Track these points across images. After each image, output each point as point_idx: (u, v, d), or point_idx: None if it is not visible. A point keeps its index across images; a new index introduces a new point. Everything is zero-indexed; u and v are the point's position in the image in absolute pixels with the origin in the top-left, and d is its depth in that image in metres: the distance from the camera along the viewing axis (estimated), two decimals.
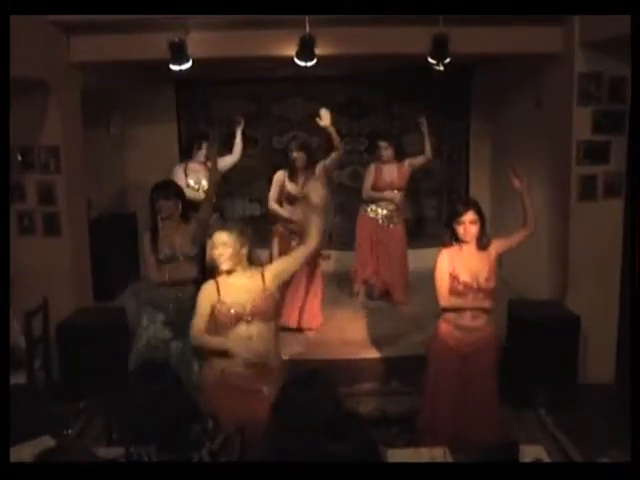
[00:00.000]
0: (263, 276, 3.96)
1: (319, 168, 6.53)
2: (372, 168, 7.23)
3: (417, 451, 3.63)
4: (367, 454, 2.25)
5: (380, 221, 7.22)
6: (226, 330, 3.92)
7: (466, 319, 4.53)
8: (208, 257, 4.01)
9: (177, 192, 5.18)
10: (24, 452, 3.09)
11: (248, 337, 3.88)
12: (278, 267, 4.11)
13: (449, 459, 3.44)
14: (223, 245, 3.89)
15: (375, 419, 5.41)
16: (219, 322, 3.93)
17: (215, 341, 3.98)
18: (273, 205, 6.65)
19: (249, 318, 3.87)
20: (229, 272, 3.93)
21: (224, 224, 4.14)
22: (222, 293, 3.92)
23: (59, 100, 5.99)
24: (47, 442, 3.62)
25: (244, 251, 3.94)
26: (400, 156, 7.19)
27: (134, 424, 2.75)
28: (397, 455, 3.45)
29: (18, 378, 5.26)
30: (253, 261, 4.02)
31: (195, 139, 7.06)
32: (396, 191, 7.16)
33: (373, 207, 7.22)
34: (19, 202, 6.07)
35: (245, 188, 8.32)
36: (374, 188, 7.18)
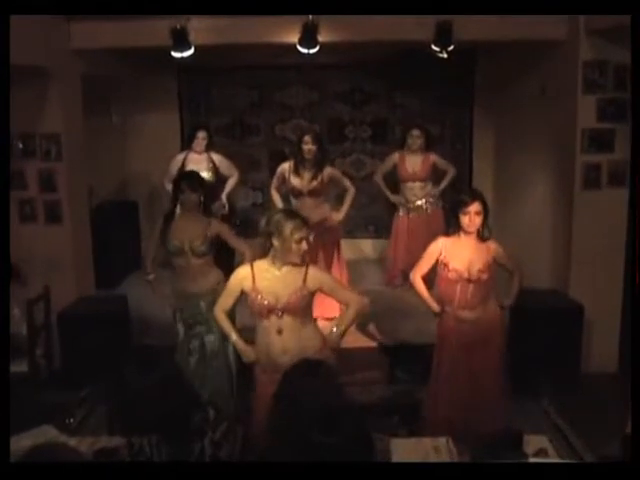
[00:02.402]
0: (306, 275, 3.91)
1: (327, 173, 6.40)
2: (395, 156, 7.18)
3: (420, 441, 3.60)
4: (360, 447, 2.24)
5: (415, 213, 7.17)
6: (258, 320, 3.94)
7: (458, 309, 4.54)
8: (283, 248, 3.86)
9: (202, 184, 5.15)
10: (25, 441, 3.07)
11: (278, 330, 3.88)
12: (328, 284, 4.03)
13: (452, 448, 3.42)
14: (305, 240, 3.85)
15: (377, 408, 5.40)
16: (251, 310, 3.94)
17: (226, 327, 4.20)
18: (273, 193, 6.61)
19: (280, 313, 3.86)
20: (289, 263, 3.90)
21: (295, 217, 3.97)
22: (257, 280, 3.91)
23: (60, 87, 5.97)
24: (48, 431, 3.61)
25: None
26: (428, 146, 7.14)
27: (134, 413, 2.73)
28: (400, 445, 3.43)
29: (19, 366, 5.25)
30: None
31: (192, 128, 7.04)
32: (418, 182, 7.09)
33: (406, 199, 7.17)
34: (20, 190, 6.05)
35: (247, 176, 8.28)
36: (400, 178, 7.17)
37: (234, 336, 4.16)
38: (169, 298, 5.20)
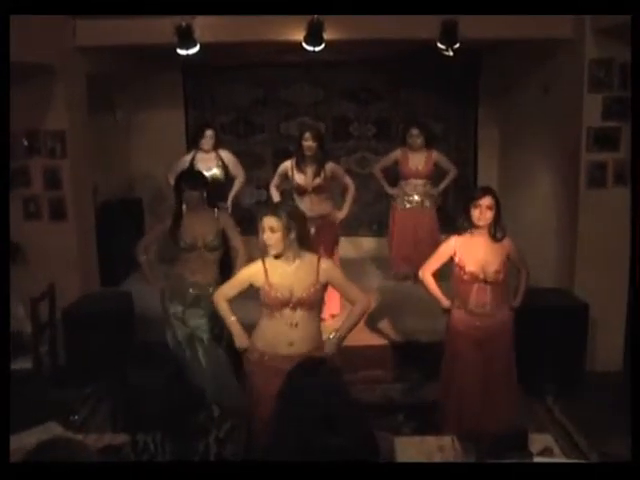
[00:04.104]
0: (318, 268, 3.91)
1: (329, 168, 6.42)
2: (398, 152, 7.25)
3: (425, 439, 3.59)
4: (364, 447, 2.23)
5: (411, 206, 7.24)
6: (270, 313, 3.92)
7: (472, 309, 4.54)
8: (259, 241, 3.91)
9: (204, 181, 5.15)
10: (30, 438, 3.06)
11: (291, 324, 3.87)
12: (338, 278, 4.05)
13: (457, 447, 3.41)
14: (271, 230, 3.81)
15: (382, 406, 5.40)
16: (264, 304, 3.92)
17: (224, 311, 4.14)
18: (272, 190, 6.62)
19: (294, 306, 3.86)
20: (277, 256, 3.88)
21: (275, 206, 4.05)
22: (270, 275, 3.89)
23: (65, 85, 5.96)
24: (53, 428, 3.61)
25: (292, 235, 3.86)
26: (429, 144, 7.18)
27: (139, 411, 2.73)
28: (404, 443, 3.42)
29: (24, 364, 5.26)
30: (305, 244, 3.96)
31: (199, 127, 7.03)
32: (420, 180, 7.15)
33: (404, 192, 7.23)
34: (25, 187, 6.05)
35: (252, 174, 8.27)
36: (402, 175, 7.22)
37: (232, 318, 4.13)
38: (161, 281, 5.21)
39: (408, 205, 7.25)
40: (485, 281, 4.47)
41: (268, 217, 3.84)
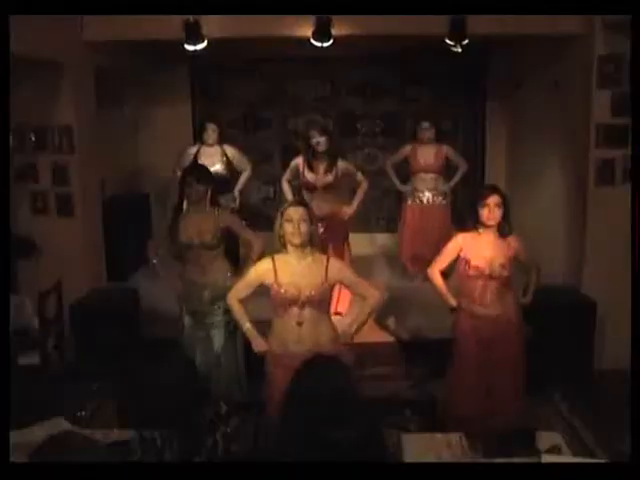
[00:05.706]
0: (327, 267, 3.91)
1: (341, 166, 6.40)
2: (407, 148, 7.24)
3: (432, 436, 3.59)
4: (371, 445, 2.23)
5: (424, 203, 7.21)
6: (279, 311, 3.94)
7: (477, 306, 4.52)
8: (276, 233, 3.92)
9: (209, 177, 5.11)
10: (37, 434, 3.07)
11: (298, 322, 3.89)
12: (349, 276, 4.06)
13: (465, 444, 3.40)
14: (300, 220, 3.82)
15: (389, 403, 5.39)
16: (273, 302, 3.95)
17: (239, 315, 4.18)
18: (284, 185, 6.62)
19: (302, 305, 3.87)
20: (299, 246, 3.87)
21: (297, 202, 4.07)
22: (279, 273, 3.90)
23: (73, 80, 5.96)
24: (60, 423, 3.61)
25: (313, 228, 3.91)
26: (439, 138, 7.17)
27: (145, 407, 2.73)
28: (412, 440, 3.42)
29: (31, 359, 5.25)
30: (314, 242, 3.98)
31: (202, 122, 7.03)
32: (430, 174, 7.13)
33: (415, 189, 7.22)
34: (33, 182, 6.06)
35: (260, 170, 8.27)
36: (412, 169, 7.21)
37: (247, 324, 4.15)
38: (175, 283, 5.18)
39: (419, 203, 7.22)
40: (490, 276, 4.46)
41: (297, 207, 3.90)
